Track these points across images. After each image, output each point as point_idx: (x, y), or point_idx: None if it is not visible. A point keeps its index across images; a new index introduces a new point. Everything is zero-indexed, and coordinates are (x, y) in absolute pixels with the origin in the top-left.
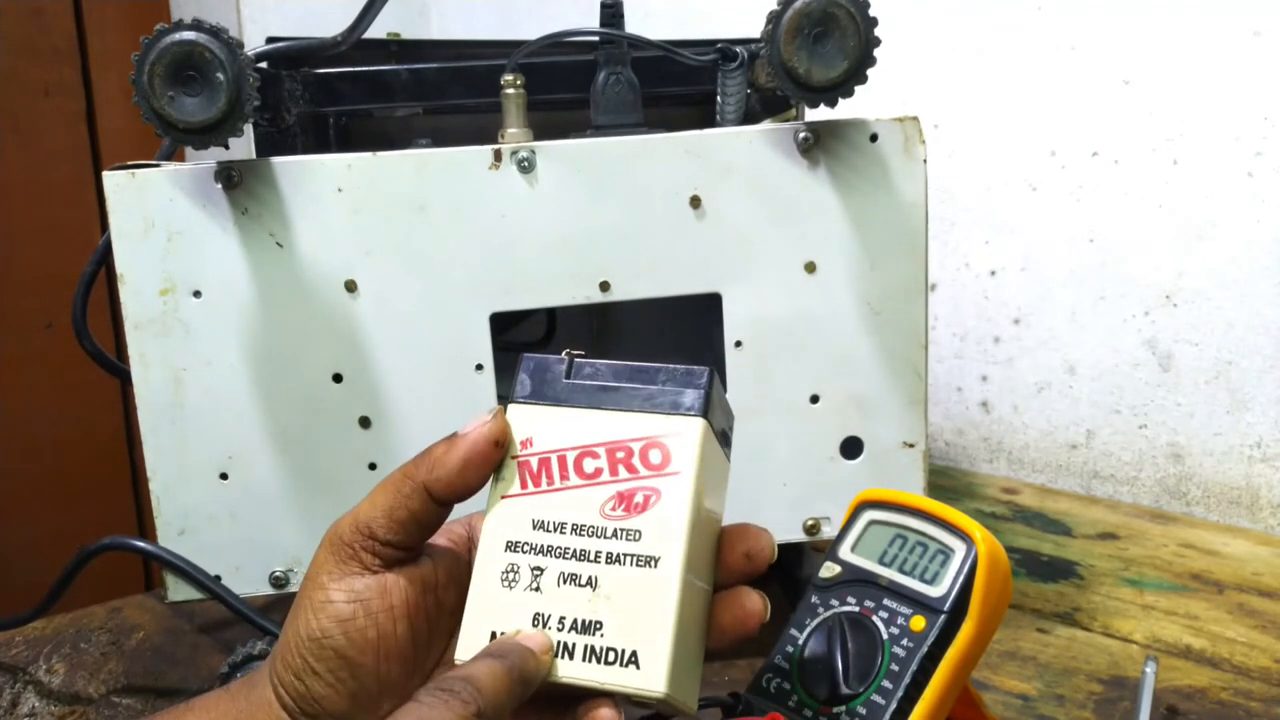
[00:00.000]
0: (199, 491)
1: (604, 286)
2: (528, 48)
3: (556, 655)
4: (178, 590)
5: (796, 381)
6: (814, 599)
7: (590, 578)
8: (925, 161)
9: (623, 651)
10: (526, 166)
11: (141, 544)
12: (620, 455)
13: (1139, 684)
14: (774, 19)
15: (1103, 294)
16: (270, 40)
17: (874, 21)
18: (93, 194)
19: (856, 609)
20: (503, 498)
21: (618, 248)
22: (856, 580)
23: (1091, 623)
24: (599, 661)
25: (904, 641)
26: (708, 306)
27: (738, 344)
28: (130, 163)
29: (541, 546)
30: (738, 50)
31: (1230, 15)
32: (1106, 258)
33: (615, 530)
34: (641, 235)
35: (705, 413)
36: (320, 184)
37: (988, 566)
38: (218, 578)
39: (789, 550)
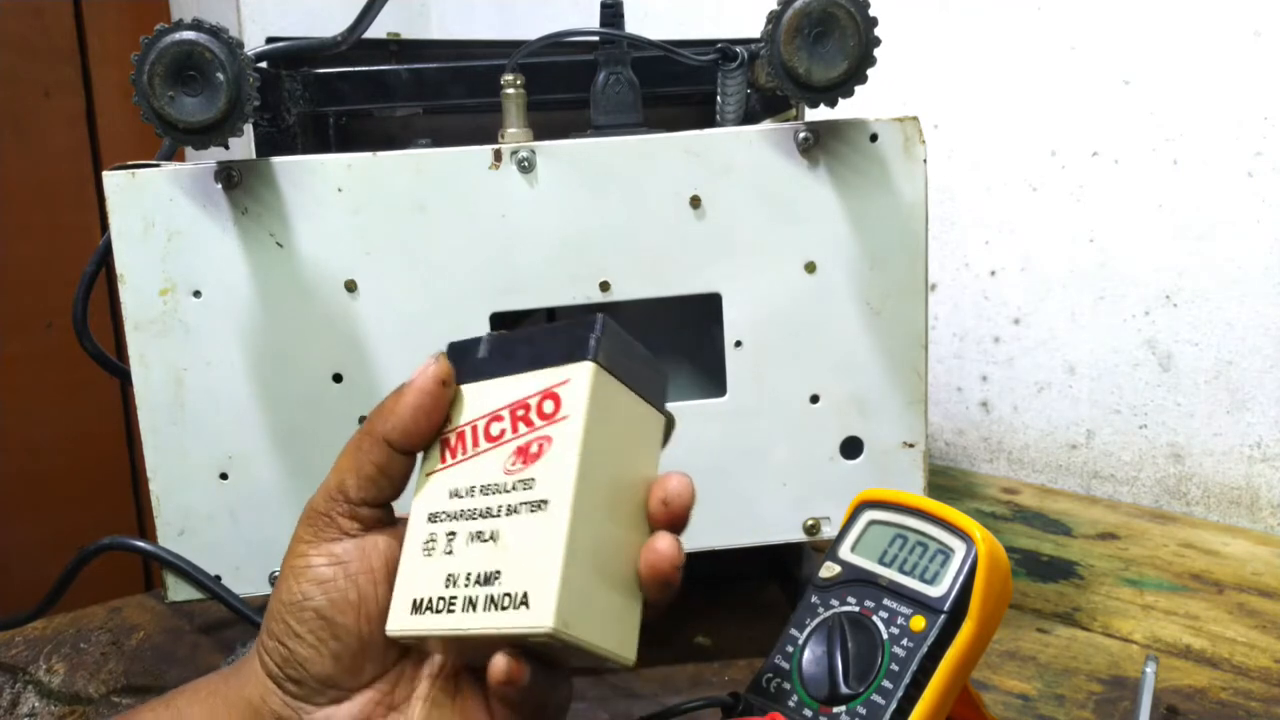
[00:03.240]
0: (199, 491)
1: (604, 286)
2: (528, 48)
3: (463, 609)
4: (178, 590)
5: (796, 381)
6: (814, 599)
7: (493, 531)
8: (925, 161)
9: (515, 594)
10: (526, 166)
11: (141, 544)
12: (520, 413)
13: (1139, 684)
14: (774, 19)
15: (1103, 294)
16: (270, 40)
17: (874, 21)
18: (93, 194)
19: (856, 609)
20: (426, 475)
21: (618, 248)
22: (856, 580)
23: (1091, 623)
24: (496, 608)
25: (904, 641)
26: (708, 306)
27: (738, 344)
28: (130, 163)
29: (455, 512)
30: (738, 50)
31: (1230, 15)
32: (1106, 258)
33: (513, 483)
34: (641, 235)
35: (595, 355)
36: (320, 184)
37: (988, 566)
38: (218, 578)
39: (789, 550)
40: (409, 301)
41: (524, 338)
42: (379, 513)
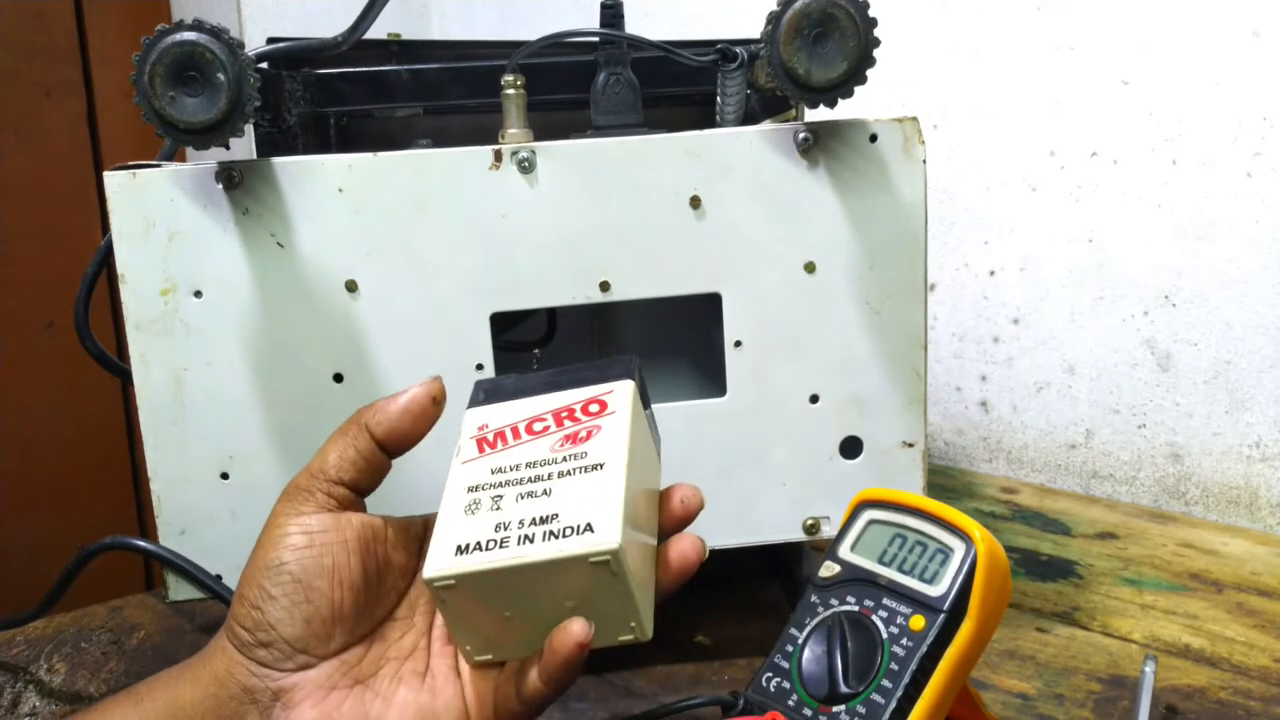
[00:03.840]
0: (200, 491)
1: (604, 286)
2: (528, 48)
3: (518, 544)
4: (178, 589)
5: (796, 381)
6: (813, 598)
7: (546, 490)
8: (924, 162)
9: (578, 525)
10: (527, 167)
11: (142, 543)
12: (564, 414)
13: (1138, 683)
14: (774, 19)
15: (1102, 294)
16: (271, 41)
17: (873, 22)
18: (94, 194)
19: (856, 608)
20: (462, 463)
21: (618, 248)
22: (856, 579)
23: (1091, 622)
24: (558, 537)
25: (903, 641)
26: (708, 306)
27: (738, 344)
28: (131, 163)
29: (500, 482)
30: (737, 51)
31: (1229, 16)
32: (1105, 258)
33: (564, 457)
34: (641, 235)
35: (633, 377)
36: (321, 184)
37: (987, 566)
38: (218, 577)
39: (789, 550)
40: (409, 301)
41: (556, 372)
42: (354, 497)
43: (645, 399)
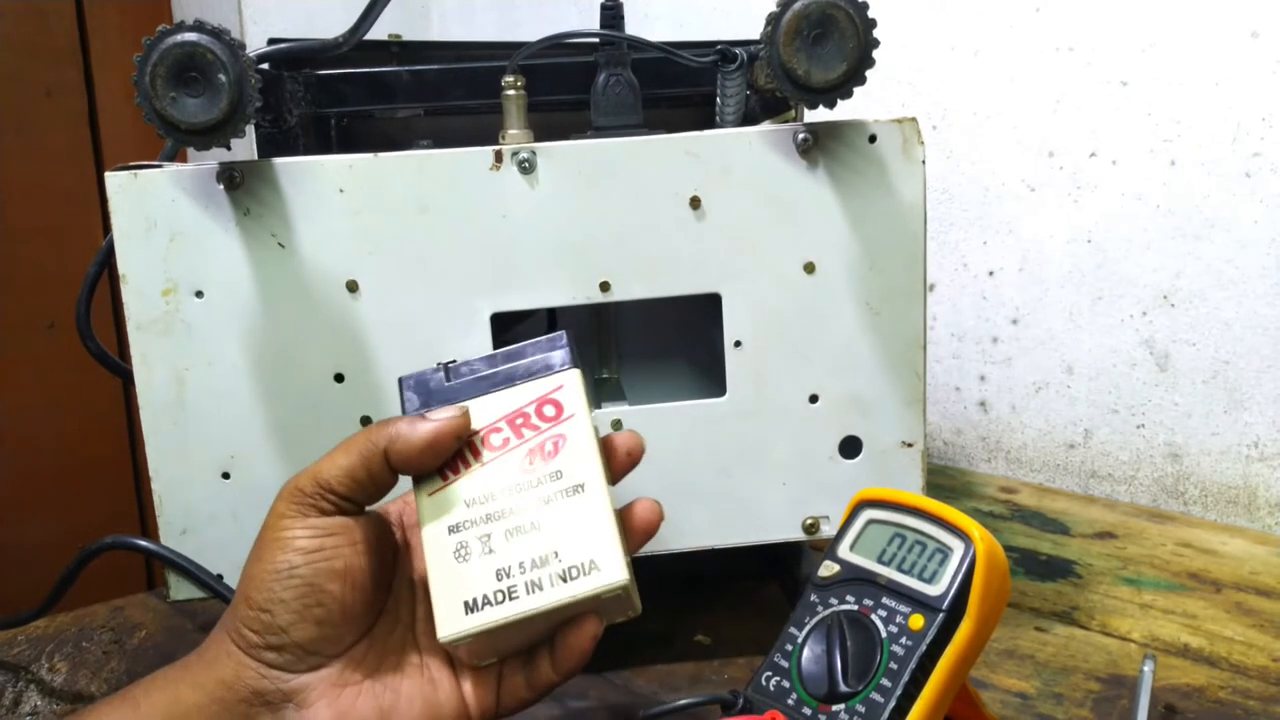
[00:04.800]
0: (201, 491)
1: (604, 287)
2: (528, 49)
3: (528, 592)
4: (180, 589)
5: (796, 381)
6: (813, 598)
7: (532, 523)
8: (924, 162)
9: (583, 564)
10: (527, 167)
11: (143, 543)
12: (519, 421)
13: (1137, 682)
14: (773, 20)
15: (1100, 294)
16: (272, 41)
17: (873, 23)
18: (95, 195)
19: (855, 608)
20: (429, 495)
21: (618, 248)
22: (855, 579)
23: (1089, 621)
24: (566, 580)
25: (903, 640)
26: (708, 306)
27: (737, 344)
28: (132, 163)
29: (480, 517)
30: (737, 52)
31: (1228, 16)
32: (1104, 258)
33: (539, 479)
34: (641, 236)
35: (576, 363)
36: (322, 185)
37: (986, 565)
38: (220, 576)
39: (788, 549)
40: (410, 302)
41: (485, 361)
42: (354, 509)
43: (579, 367)
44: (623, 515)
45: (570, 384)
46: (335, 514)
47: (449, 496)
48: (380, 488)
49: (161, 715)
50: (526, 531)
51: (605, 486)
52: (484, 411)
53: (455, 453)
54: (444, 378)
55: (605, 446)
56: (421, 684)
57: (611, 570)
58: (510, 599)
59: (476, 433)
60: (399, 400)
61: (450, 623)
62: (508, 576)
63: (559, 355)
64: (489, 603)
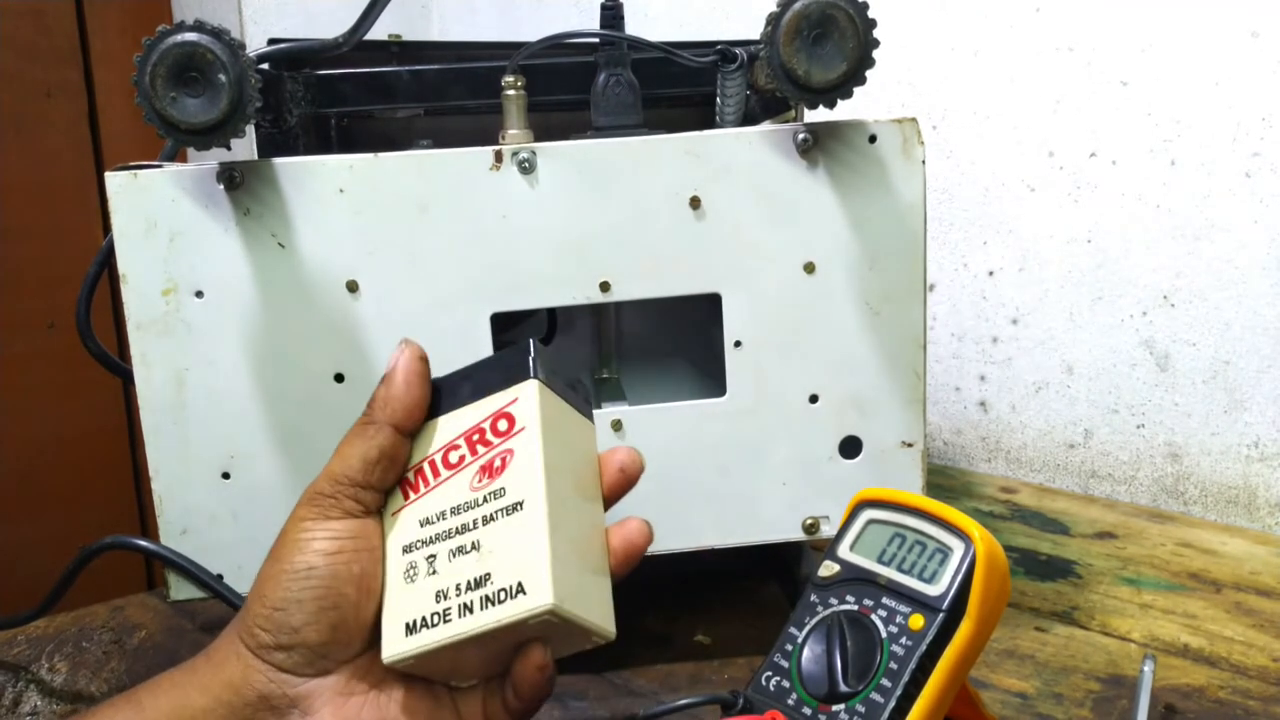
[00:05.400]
0: (201, 491)
1: (604, 287)
2: (528, 49)
3: (459, 615)
4: (180, 589)
5: (796, 381)
6: (813, 598)
7: (473, 542)
8: (924, 163)
9: (510, 586)
10: (527, 167)
11: (143, 543)
12: (475, 438)
13: (1137, 682)
14: (773, 20)
15: (1100, 294)
16: (272, 41)
17: (873, 23)
18: (95, 195)
19: (855, 608)
20: (392, 514)
21: (618, 248)
22: (855, 579)
23: (1089, 621)
24: (495, 604)
25: (903, 640)
26: (708, 306)
27: (737, 344)
28: (132, 163)
29: (429, 538)
30: (737, 52)
31: (1228, 16)
32: (1104, 258)
33: (483, 496)
34: (641, 236)
35: (537, 374)
36: (322, 185)
37: (986, 565)
38: (220, 576)
39: (788, 549)
40: (410, 302)
41: (460, 376)
42: (379, 497)
43: (559, 378)
44: (611, 532)
45: (525, 396)
46: (359, 513)
47: (407, 516)
48: (395, 461)
49: (166, 718)
50: (468, 552)
51: (546, 503)
52: (447, 429)
53: (416, 471)
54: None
55: (602, 459)
56: (423, 697)
57: (538, 594)
58: (444, 621)
59: (438, 451)
60: None
61: (391, 644)
62: (445, 598)
63: (520, 366)
64: (426, 625)
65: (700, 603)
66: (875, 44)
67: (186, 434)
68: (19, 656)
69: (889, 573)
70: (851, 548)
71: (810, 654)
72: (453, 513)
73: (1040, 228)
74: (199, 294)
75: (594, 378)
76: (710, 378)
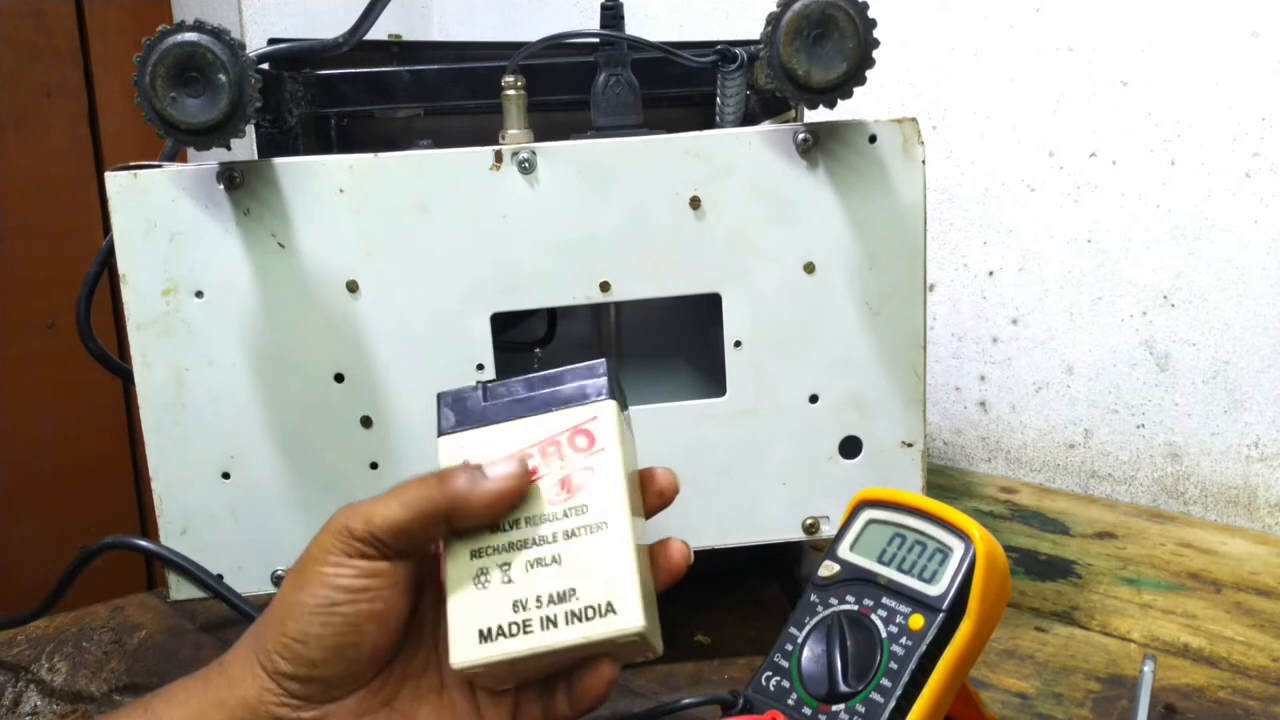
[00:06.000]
0: (201, 491)
1: (604, 287)
2: (528, 49)
3: (543, 628)
4: (180, 589)
5: (796, 381)
6: (813, 598)
7: (554, 556)
8: (924, 163)
9: (599, 605)
10: (527, 167)
11: (144, 543)
12: (551, 450)
13: (1137, 682)
14: (773, 21)
15: (1100, 294)
16: (272, 41)
17: (873, 23)
18: (95, 195)
19: (855, 607)
20: None
21: (618, 248)
22: (855, 579)
23: (1089, 621)
24: (581, 620)
25: (903, 640)
26: (708, 306)
27: (737, 344)
28: (132, 163)
29: (503, 545)
30: (737, 52)
31: (1228, 16)
32: (1104, 258)
33: (564, 510)
34: (641, 236)
35: (613, 394)
36: (322, 185)
37: (986, 565)
38: (220, 576)
39: (788, 549)
40: (410, 302)
41: (523, 384)
42: (403, 556)
43: (623, 400)
44: (653, 552)
45: (605, 415)
46: (380, 560)
47: None
48: (432, 540)
49: None
50: (547, 564)
51: (630, 525)
52: (517, 436)
53: None
54: (481, 397)
55: (642, 480)
56: (440, 709)
57: (629, 615)
58: (525, 632)
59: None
60: (435, 415)
61: (463, 650)
62: (524, 609)
63: (596, 385)
64: (503, 634)
65: (700, 603)
66: (875, 44)
67: (186, 434)
68: (19, 656)
69: (889, 573)
70: (851, 548)
71: (810, 654)
72: (528, 523)
73: (1040, 228)
74: (199, 294)
75: None
76: (710, 378)
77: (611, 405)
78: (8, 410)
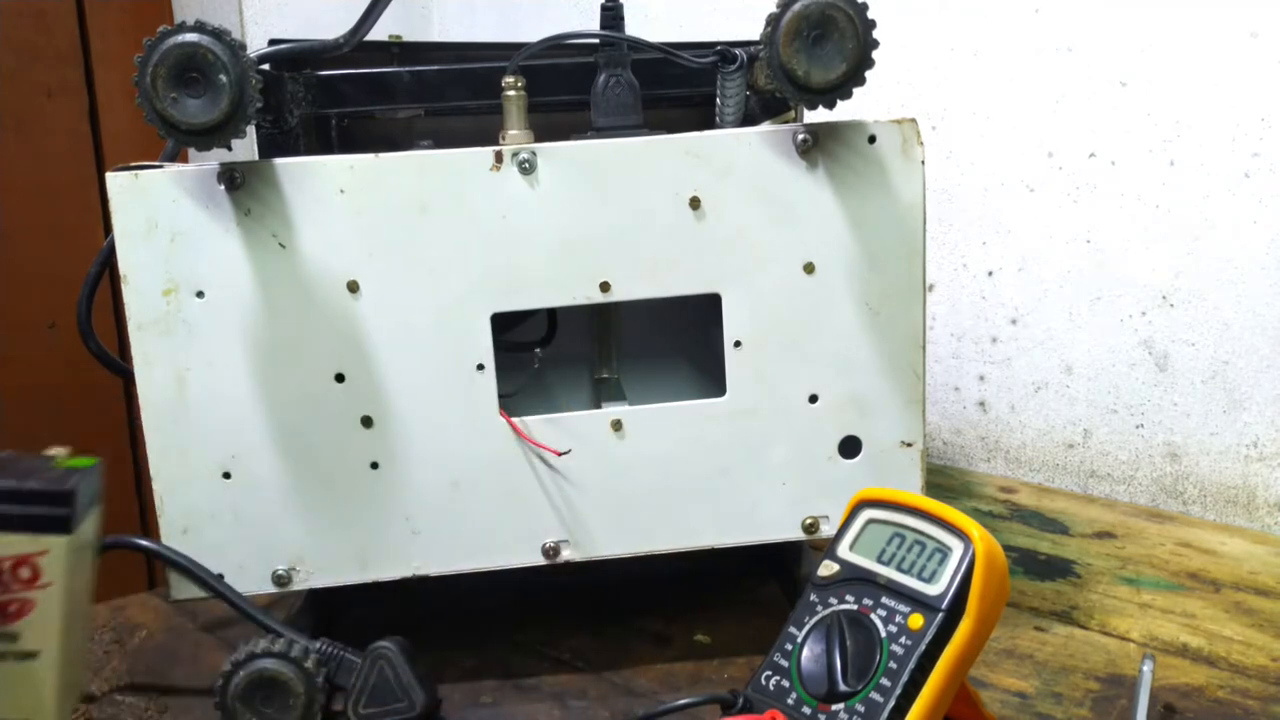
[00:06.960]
0: (202, 490)
1: (604, 287)
2: (529, 50)
3: None
4: (181, 588)
5: (795, 381)
6: (813, 597)
7: None
8: (923, 163)
9: None
10: (527, 168)
11: (145, 542)
12: None
13: (1136, 682)
14: (773, 21)
15: (1100, 294)
16: (273, 42)
17: (872, 24)
18: (96, 195)
19: (855, 607)
20: None
21: (618, 248)
22: (855, 579)
23: (1089, 621)
24: None
25: (902, 639)
26: (708, 306)
27: (737, 344)
28: (133, 164)
29: None
30: (737, 52)
31: (1227, 16)
32: (1103, 258)
33: None
34: (641, 236)
35: (73, 528)
36: (323, 185)
37: (985, 565)
38: (221, 576)
39: (788, 549)
40: (410, 302)
41: None
42: None
43: (85, 518)
44: None
45: (56, 552)
46: None
47: None
48: None
49: None
50: None
51: (60, 657)
52: None
53: None
54: None
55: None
56: None
57: None
58: None
59: None
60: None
61: None
62: None
63: (61, 517)
64: None
65: (700, 603)
66: (875, 44)
67: (187, 434)
68: None
69: (888, 572)
70: (851, 547)
71: (810, 653)
72: None
73: (1039, 228)
74: (200, 294)
75: (594, 378)
76: (710, 378)
77: (64, 543)
78: (9, 410)
